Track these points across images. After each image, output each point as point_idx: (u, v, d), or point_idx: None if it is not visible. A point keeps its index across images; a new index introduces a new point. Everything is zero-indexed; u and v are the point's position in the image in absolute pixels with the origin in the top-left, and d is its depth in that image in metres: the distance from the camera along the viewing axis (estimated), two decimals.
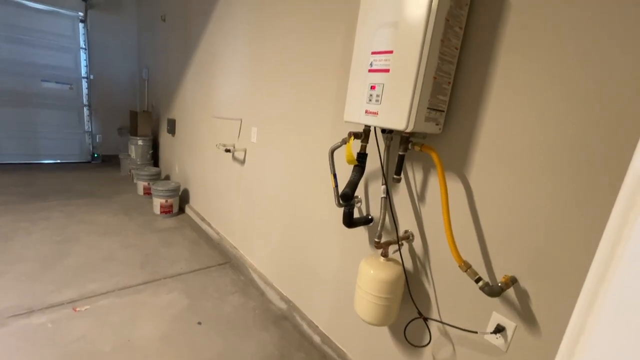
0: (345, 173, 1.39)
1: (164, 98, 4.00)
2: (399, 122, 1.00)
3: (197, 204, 3.32)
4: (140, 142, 4.00)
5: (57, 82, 4.52)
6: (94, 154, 5.02)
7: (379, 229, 1.22)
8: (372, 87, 1.07)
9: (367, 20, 1.08)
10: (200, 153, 3.14)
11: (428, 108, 1.02)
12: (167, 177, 4.02)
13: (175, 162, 3.79)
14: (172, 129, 3.69)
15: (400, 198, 1.29)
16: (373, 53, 1.06)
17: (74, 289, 2.02)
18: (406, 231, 1.26)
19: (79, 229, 2.80)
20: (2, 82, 4.21)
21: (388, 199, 1.24)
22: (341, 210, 1.33)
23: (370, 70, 1.08)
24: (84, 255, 2.40)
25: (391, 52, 1.01)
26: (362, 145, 1.25)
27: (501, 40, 0.99)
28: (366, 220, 1.39)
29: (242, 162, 2.41)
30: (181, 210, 3.47)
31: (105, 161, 5.05)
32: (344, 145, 1.30)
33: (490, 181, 1.03)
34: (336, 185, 1.33)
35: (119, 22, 4.83)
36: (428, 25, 0.92)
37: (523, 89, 0.95)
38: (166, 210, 3.26)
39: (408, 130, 0.99)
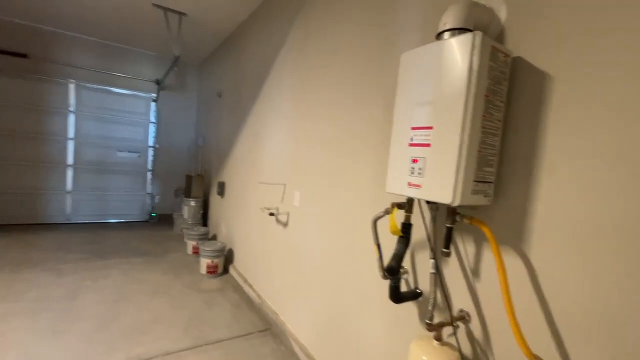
0: (389, 242, 1.35)
1: (215, 163, 4.37)
2: (445, 195, 0.98)
3: (240, 265, 3.37)
4: (192, 203, 4.31)
5: (129, 152, 5.19)
6: (151, 213, 5.47)
7: (430, 308, 1.12)
8: (414, 161, 1.08)
9: (405, 98, 1.14)
10: (245, 215, 3.28)
11: (474, 181, 0.99)
12: (215, 237, 4.20)
13: (223, 223, 3.97)
14: (221, 191, 3.95)
15: (452, 273, 1.20)
16: (413, 128, 1.09)
17: (122, 351, 2.06)
18: (461, 310, 1.15)
19: (133, 289, 2.94)
20: (88, 154, 4.94)
21: (438, 275, 1.16)
22: (386, 282, 1.26)
23: (410, 145, 1.10)
24: (134, 316, 2.49)
25: (431, 128, 1.03)
26: (406, 216, 1.22)
27: (547, 112, 0.97)
28: (414, 295, 1.30)
29: (285, 225, 2.45)
30: (225, 270, 3.54)
31: (161, 220, 5.45)
32: (387, 215, 1.28)
33: (555, 259, 0.93)
34: (380, 257, 1.29)
35: (182, 99, 5.58)
36: (467, 105, 0.94)
37: (579, 164, 0.89)
38: (211, 271, 3.35)
39: (455, 204, 0.96)
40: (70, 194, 4.89)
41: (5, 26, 4.26)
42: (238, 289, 3.15)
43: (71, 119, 4.78)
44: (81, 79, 4.79)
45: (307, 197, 2.18)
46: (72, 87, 4.74)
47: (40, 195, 4.71)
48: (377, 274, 1.50)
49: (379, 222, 1.33)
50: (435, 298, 1.13)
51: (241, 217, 3.40)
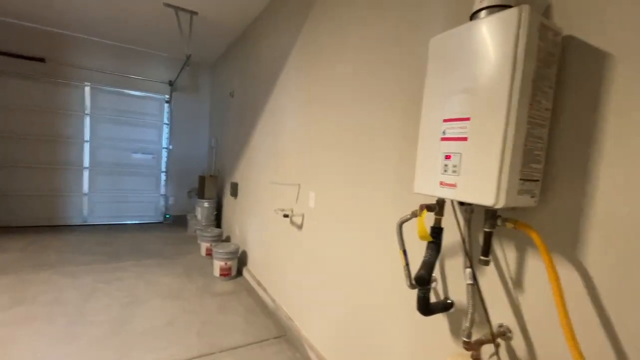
0: (414, 247, 1.23)
1: (228, 163, 4.31)
2: (486, 196, 0.85)
3: (254, 267, 3.29)
4: (206, 204, 4.27)
5: (143, 153, 5.21)
6: (165, 214, 5.48)
7: (467, 324, 1.00)
8: (447, 157, 0.96)
9: (435, 87, 1.02)
10: (259, 216, 3.20)
11: (520, 179, 0.86)
12: (228, 239, 4.14)
13: (236, 224, 3.91)
14: (234, 192, 3.89)
15: (489, 282, 1.07)
16: (445, 120, 0.97)
17: (133, 359, 2.01)
18: (501, 325, 1.02)
19: (146, 291, 2.90)
20: (104, 155, 4.98)
21: (476, 287, 1.03)
22: (412, 291, 1.14)
23: (443, 139, 0.97)
24: (147, 320, 2.44)
25: (467, 119, 0.91)
26: (436, 219, 1.10)
27: (608, 99, 0.83)
28: (445, 306, 1.17)
29: (300, 227, 2.36)
30: (239, 272, 3.47)
31: (175, 221, 5.45)
32: (414, 218, 1.16)
33: (617, 269, 0.79)
34: (407, 264, 1.17)
35: (195, 100, 5.57)
36: (513, 90, 0.81)
37: None
38: (225, 273, 3.28)
39: (498, 206, 0.84)
40: (86, 196, 4.94)
41: (23, 31, 4.32)
42: (252, 292, 3.07)
43: (87, 121, 4.83)
44: (96, 82, 4.83)
45: (323, 198, 2.08)
46: (87, 90, 4.79)
47: (58, 197, 4.77)
48: (401, 281, 1.38)
49: (405, 226, 1.21)
50: (473, 313, 1.01)
51: (255, 218, 3.33)
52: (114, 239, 4.38)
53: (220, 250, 3.25)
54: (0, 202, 4.45)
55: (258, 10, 3.34)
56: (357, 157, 1.75)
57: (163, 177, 5.42)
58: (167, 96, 5.31)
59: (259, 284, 3.06)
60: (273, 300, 2.72)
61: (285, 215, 2.43)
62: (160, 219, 5.46)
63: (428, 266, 1.02)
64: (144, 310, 2.58)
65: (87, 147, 4.87)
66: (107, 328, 2.31)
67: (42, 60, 4.45)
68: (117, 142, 5.05)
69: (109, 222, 5.12)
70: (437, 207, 1.09)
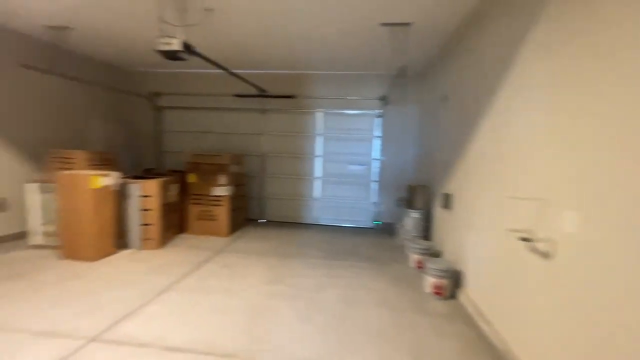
0: None
1: (439, 173, 4.04)
2: None
3: (474, 293, 2.84)
4: (414, 215, 4.17)
5: (357, 165, 5.82)
6: (375, 221, 5.84)
7: None
8: None
9: None
10: (480, 234, 2.74)
11: None
12: (439, 254, 3.85)
13: (449, 239, 3.57)
14: (447, 204, 3.57)
15: None
16: None
17: (350, 356, 2.11)
18: None
19: (359, 294, 3.09)
20: (329, 167, 6.00)
21: None
22: None
23: None
24: (360, 324, 2.56)
25: None
26: None
27: None
28: None
29: (546, 256, 1.77)
30: (453, 294, 3.10)
31: (384, 229, 5.71)
32: None
33: None
34: None
35: (404, 111, 5.68)
36: None
37: None
38: (437, 292, 3.01)
39: None
40: (317, 201, 6.03)
41: (278, 77, 5.84)
42: (470, 322, 2.65)
43: (319, 140, 5.93)
44: (325, 107, 5.85)
45: (593, 222, 1.45)
46: (320, 115, 5.88)
47: (298, 200, 6.08)
48: None
49: None
50: None
51: (474, 236, 2.88)
52: (334, 239, 5.06)
53: (434, 266, 3.02)
54: (267, 203, 6.16)
55: (473, 8, 2.92)
56: None
57: (374, 186, 5.83)
58: (378, 111, 5.69)
59: (480, 313, 2.59)
60: (502, 341, 2.21)
61: (525, 239, 1.90)
62: (371, 224, 5.87)
63: None
64: (358, 313, 2.72)
65: (318, 161, 5.96)
66: (327, 321, 2.58)
67: (292, 97, 5.83)
68: (338, 155, 5.90)
69: (331, 223, 6.02)
70: None
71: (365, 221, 5.93)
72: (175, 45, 2.90)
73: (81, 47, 4.79)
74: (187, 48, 3.02)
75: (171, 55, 2.98)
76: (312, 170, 6.02)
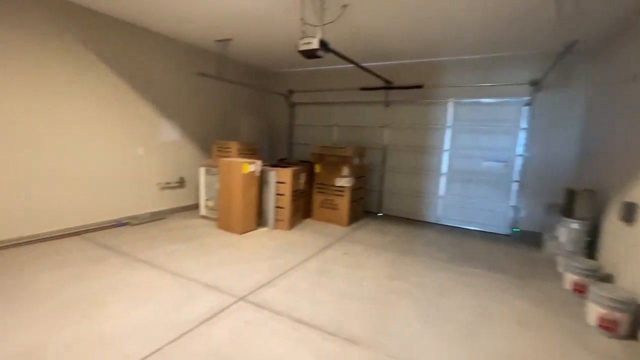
0: None
1: (617, 175, 3.12)
2: None
3: None
4: (574, 226, 3.36)
5: (494, 161, 5.07)
6: (514, 228, 5.00)
7: None
8: None
9: None
10: None
11: None
12: (610, 279, 3.00)
13: (629, 262, 2.73)
14: (629, 216, 2.72)
15: None
16: None
17: None
18: None
19: (495, 308, 2.69)
20: (458, 163, 5.41)
21: None
22: None
23: None
24: (496, 342, 2.22)
25: None
26: None
27: None
28: None
29: None
30: (633, 334, 2.37)
31: (524, 238, 4.83)
32: None
33: None
34: None
35: (564, 98, 4.60)
36: None
37: None
38: (607, 326, 2.35)
39: None
40: (441, 199, 5.58)
41: (405, 67, 5.59)
42: None
43: (447, 133, 5.43)
44: (457, 97, 5.30)
45: None
46: (450, 105, 5.37)
47: (420, 197, 5.75)
48: None
49: None
50: None
51: None
52: (461, 242, 4.57)
53: (603, 294, 2.37)
54: (387, 197, 6.07)
55: None
56: None
57: (514, 186, 4.98)
58: (526, 98, 4.79)
59: None
60: None
61: None
62: (507, 231, 5.06)
63: None
64: (492, 329, 2.38)
65: (445, 156, 5.48)
66: (455, 329, 2.35)
67: (420, 87, 5.51)
68: (471, 150, 5.26)
69: (457, 225, 5.47)
70: None
71: (499, 226, 5.15)
72: (314, 44, 3.11)
73: (237, 55, 5.75)
74: (324, 45, 3.19)
75: (310, 54, 3.21)
76: (439, 166, 5.57)
